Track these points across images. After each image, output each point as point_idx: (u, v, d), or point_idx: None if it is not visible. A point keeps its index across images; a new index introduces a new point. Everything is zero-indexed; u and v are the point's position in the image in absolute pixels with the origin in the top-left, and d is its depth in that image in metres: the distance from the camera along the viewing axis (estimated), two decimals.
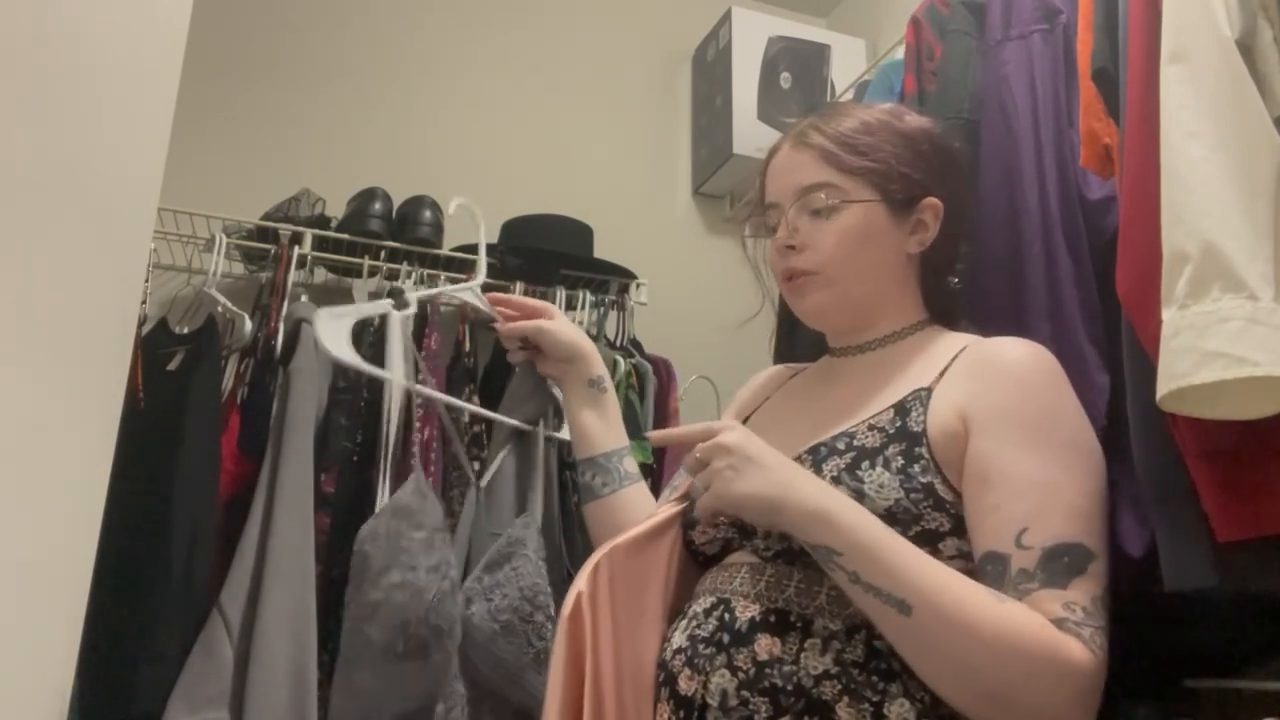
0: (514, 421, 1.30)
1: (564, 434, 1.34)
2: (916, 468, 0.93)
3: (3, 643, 0.76)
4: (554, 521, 1.31)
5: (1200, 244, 0.92)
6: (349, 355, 1.17)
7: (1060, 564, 0.86)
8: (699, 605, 1.01)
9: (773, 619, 0.94)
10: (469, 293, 1.34)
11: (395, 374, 1.21)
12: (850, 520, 0.87)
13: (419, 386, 1.23)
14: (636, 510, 1.19)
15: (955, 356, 1.01)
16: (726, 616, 0.96)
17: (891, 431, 0.97)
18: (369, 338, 1.84)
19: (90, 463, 0.93)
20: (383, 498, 1.17)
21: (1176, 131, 0.97)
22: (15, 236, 0.77)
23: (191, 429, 1.59)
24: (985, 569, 0.89)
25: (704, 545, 1.07)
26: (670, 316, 2.27)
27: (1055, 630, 0.84)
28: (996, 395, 0.95)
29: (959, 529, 0.92)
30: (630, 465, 1.24)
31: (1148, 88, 1.03)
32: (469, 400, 1.88)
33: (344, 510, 1.71)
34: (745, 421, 1.19)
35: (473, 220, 1.37)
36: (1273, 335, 0.88)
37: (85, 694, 1.34)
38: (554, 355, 1.29)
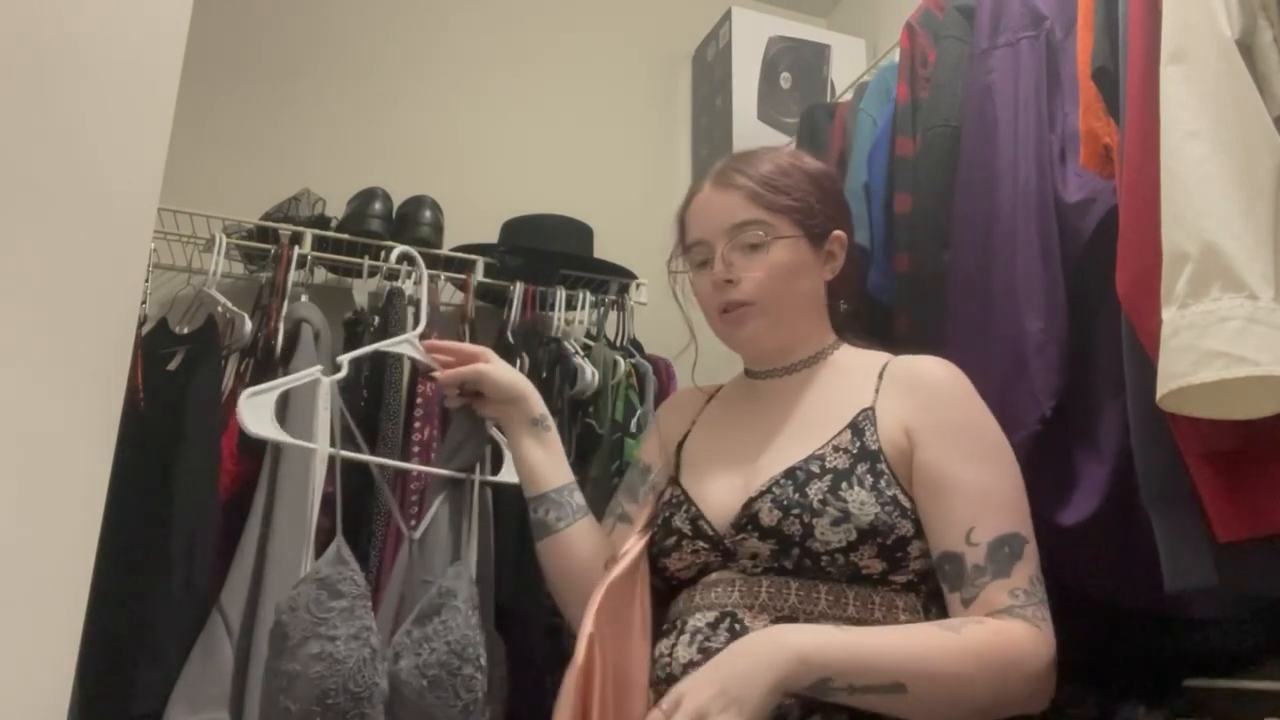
0: (444, 471, 1.30)
1: (502, 477, 1.34)
2: (883, 483, 1.04)
3: (3, 643, 0.76)
4: (489, 566, 1.31)
5: (1200, 243, 0.91)
6: (272, 432, 1.20)
7: (1003, 554, 1.00)
8: (699, 620, 1.05)
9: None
10: (406, 345, 1.33)
11: (320, 443, 1.20)
12: (816, 645, 0.93)
13: (345, 452, 1.22)
14: (591, 542, 1.23)
15: (881, 374, 1.13)
16: (737, 627, 1.02)
17: (855, 451, 1.06)
18: (368, 339, 1.84)
19: (90, 463, 0.92)
20: (306, 563, 1.15)
21: (1176, 131, 0.97)
22: (14, 236, 0.76)
23: (191, 429, 1.59)
24: (944, 567, 1.01)
25: (680, 571, 1.12)
26: (670, 316, 2.26)
27: (1006, 632, 0.96)
28: (933, 413, 1.07)
29: (919, 532, 1.03)
30: (580, 499, 1.26)
31: (1147, 87, 1.03)
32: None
33: (344, 510, 1.71)
34: (679, 448, 1.25)
35: (414, 268, 1.39)
36: (1273, 335, 0.88)
37: (85, 694, 1.34)
38: (495, 397, 1.29)
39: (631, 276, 2.17)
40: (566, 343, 1.97)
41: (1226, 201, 0.92)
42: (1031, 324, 1.24)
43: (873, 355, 1.18)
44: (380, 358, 1.78)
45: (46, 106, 0.82)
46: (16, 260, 0.77)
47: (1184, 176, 0.95)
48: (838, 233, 1.21)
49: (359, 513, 1.70)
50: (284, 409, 1.61)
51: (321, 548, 1.58)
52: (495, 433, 1.34)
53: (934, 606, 1.04)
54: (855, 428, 1.09)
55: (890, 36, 1.97)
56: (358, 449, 1.30)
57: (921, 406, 1.08)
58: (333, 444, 1.21)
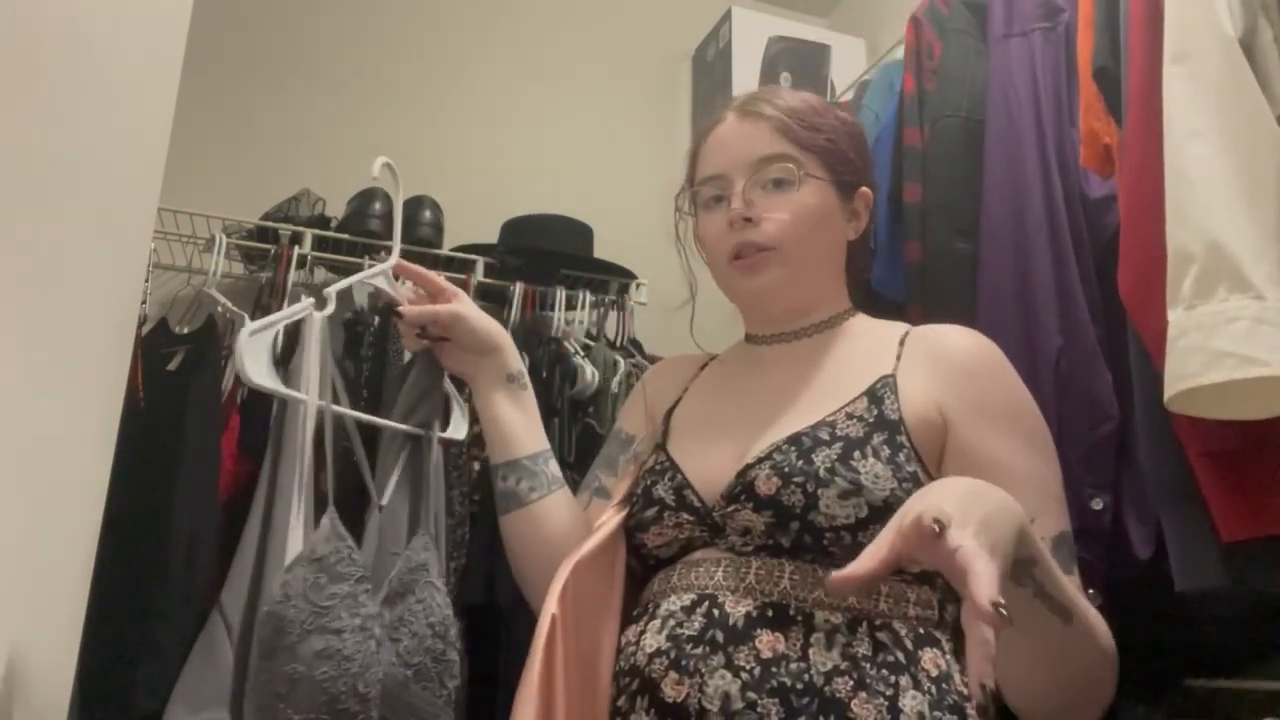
0: (403, 426, 1.12)
1: (449, 433, 1.18)
2: (902, 456, 0.92)
3: (3, 642, 0.76)
4: (443, 534, 1.14)
5: (1205, 243, 0.91)
6: (270, 382, 1.02)
7: (1064, 552, 0.89)
8: (674, 603, 0.93)
9: (771, 613, 0.88)
10: (381, 278, 1.17)
11: (310, 392, 1.03)
12: (1031, 529, 0.77)
13: (336, 408, 1.04)
14: (563, 517, 1.09)
15: (902, 342, 1.02)
16: (715, 613, 0.89)
17: (871, 420, 0.94)
18: (368, 337, 1.84)
19: (90, 463, 0.92)
20: (295, 538, 0.96)
21: (1180, 131, 0.96)
22: (14, 236, 0.76)
23: (191, 429, 1.59)
24: None
25: (660, 547, 1.00)
26: (670, 316, 2.27)
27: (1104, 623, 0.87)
28: (970, 389, 0.96)
29: None
30: (555, 468, 1.12)
31: (1149, 87, 1.03)
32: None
33: (344, 510, 1.71)
34: (668, 416, 1.12)
35: (393, 181, 1.16)
36: None
37: (85, 694, 1.34)
38: (467, 345, 1.12)
39: (631, 276, 2.17)
40: (566, 343, 1.97)
41: (1231, 201, 0.91)
42: (1084, 318, 1.22)
43: (891, 325, 1.07)
44: (381, 356, 1.78)
45: (46, 106, 0.82)
46: (16, 260, 0.77)
47: (1188, 176, 0.94)
48: (865, 190, 1.09)
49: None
50: (280, 430, 1.57)
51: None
52: (445, 384, 1.18)
53: (950, 604, 0.92)
54: (873, 395, 0.96)
55: (890, 36, 1.97)
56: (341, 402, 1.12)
57: (955, 381, 0.96)
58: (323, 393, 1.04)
